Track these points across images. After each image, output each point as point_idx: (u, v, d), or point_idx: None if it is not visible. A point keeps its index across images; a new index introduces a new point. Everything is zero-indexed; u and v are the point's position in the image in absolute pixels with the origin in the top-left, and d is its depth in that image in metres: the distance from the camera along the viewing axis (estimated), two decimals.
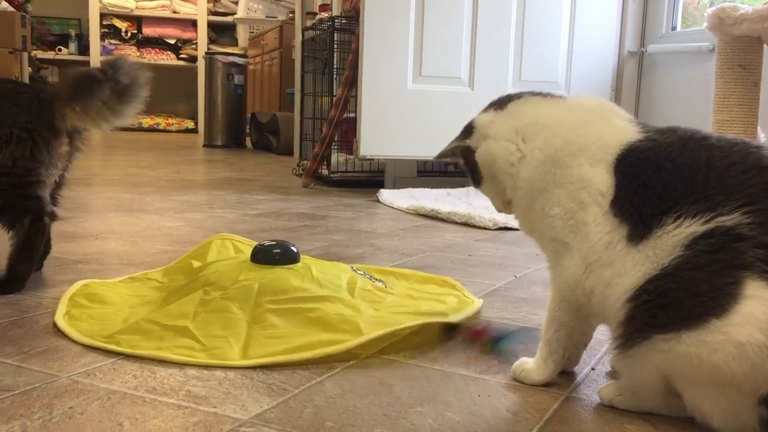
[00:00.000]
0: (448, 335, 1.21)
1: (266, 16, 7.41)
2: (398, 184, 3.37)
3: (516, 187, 1.02)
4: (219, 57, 6.40)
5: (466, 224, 2.45)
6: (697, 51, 3.23)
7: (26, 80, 5.20)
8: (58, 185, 1.55)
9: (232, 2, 8.24)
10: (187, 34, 8.28)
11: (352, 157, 3.56)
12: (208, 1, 8.26)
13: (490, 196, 1.10)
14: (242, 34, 8.01)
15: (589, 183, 0.94)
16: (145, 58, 8.05)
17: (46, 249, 1.58)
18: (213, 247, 1.54)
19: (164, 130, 8.09)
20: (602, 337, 1.15)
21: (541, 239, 1.01)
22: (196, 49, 8.15)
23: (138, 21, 8.17)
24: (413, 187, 3.25)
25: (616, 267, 0.89)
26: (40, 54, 7.42)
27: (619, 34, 3.59)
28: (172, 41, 8.23)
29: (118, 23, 8.05)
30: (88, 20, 7.82)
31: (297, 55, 4.69)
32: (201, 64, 7.19)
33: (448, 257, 1.88)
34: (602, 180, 0.93)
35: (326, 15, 3.88)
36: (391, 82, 3.23)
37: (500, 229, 2.36)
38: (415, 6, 3.22)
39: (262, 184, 3.49)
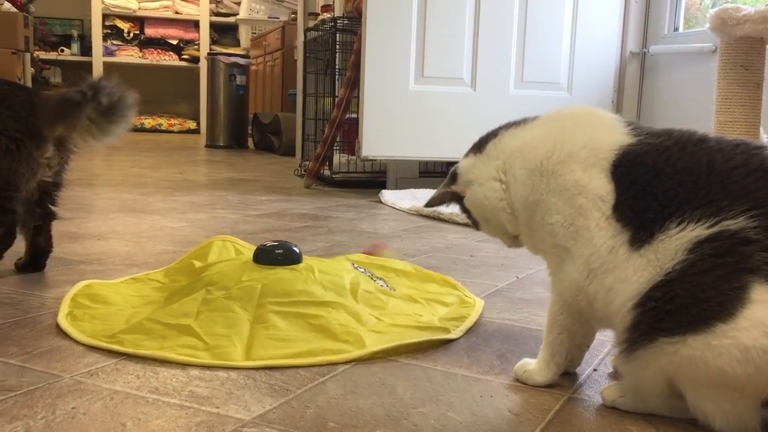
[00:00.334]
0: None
1: (268, 17, 7.41)
2: (400, 184, 3.37)
3: (514, 217, 1.03)
4: (221, 58, 6.40)
5: (467, 225, 2.44)
6: (699, 52, 3.22)
7: (29, 81, 5.21)
8: (56, 186, 1.55)
9: (235, 3, 8.25)
10: (190, 35, 8.28)
11: (354, 157, 3.56)
12: (211, 2, 8.27)
13: (492, 236, 1.13)
14: (244, 35, 8.02)
15: (585, 188, 0.94)
16: (147, 58, 8.07)
17: (48, 248, 1.59)
18: (214, 248, 1.54)
19: (166, 131, 8.09)
20: (604, 338, 1.15)
21: (544, 248, 1.01)
22: (198, 50, 8.15)
23: (140, 22, 8.17)
24: (415, 188, 3.25)
25: (618, 273, 0.89)
26: (42, 55, 7.43)
27: (621, 35, 3.58)
28: (175, 42, 8.24)
29: (120, 24, 8.06)
30: (90, 21, 7.82)
31: (299, 55, 4.69)
32: (203, 65, 7.20)
33: (450, 258, 1.88)
34: (600, 184, 0.93)
35: (328, 16, 3.88)
36: (393, 82, 3.23)
37: None
38: (417, 7, 3.22)
39: (265, 185, 3.49)
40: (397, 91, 3.23)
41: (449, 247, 2.05)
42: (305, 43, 4.35)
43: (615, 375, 1.06)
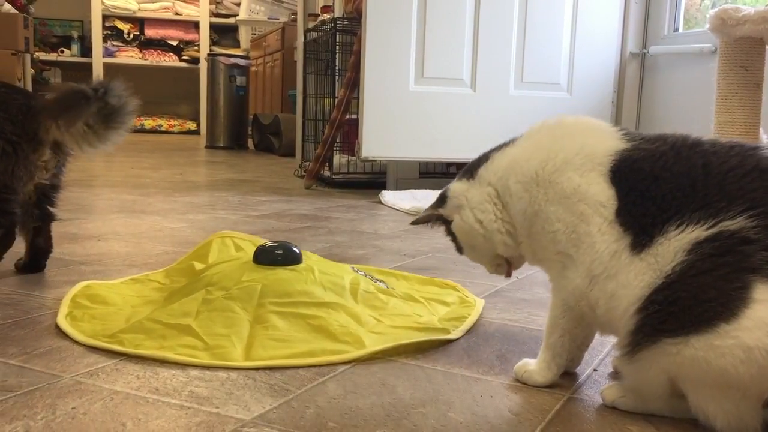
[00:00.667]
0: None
1: (268, 18, 7.42)
2: (400, 185, 3.37)
3: (512, 238, 1.04)
4: (221, 58, 6.40)
5: None
6: (699, 52, 3.22)
7: (29, 82, 5.21)
8: (54, 188, 1.56)
9: (234, 4, 8.26)
10: (190, 36, 8.29)
11: (354, 158, 3.56)
12: (210, 3, 8.27)
13: (475, 261, 1.14)
14: (244, 36, 8.02)
15: (585, 195, 0.94)
16: (147, 59, 8.07)
17: (47, 248, 1.59)
18: (214, 247, 1.54)
19: (166, 132, 8.10)
20: (604, 338, 1.15)
21: (546, 256, 1.00)
22: (198, 51, 8.16)
23: (140, 23, 8.17)
24: (415, 189, 3.25)
25: (620, 278, 0.89)
26: (42, 56, 7.43)
27: (621, 36, 3.58)
28: (175, 43, 8.24)
29: (120, 25, 8.06)
30: (90, 22, 7.82)
31: (299, 56, 4.69)
32: (203, 66, 7.19)
33: (450, 258, 1.88)
34: (599, 190, 0.93)
35: (328, 16, 3.88)
36: (393, 83, 3.23)
37: None
38: (417, 7, 3.22)
39: (264, 186, 3.50)
40: (397, 92, 3.24)
41: (449, 247, 2.04)
42: (305, 44, 4.35)
43: (615, 375, 1.06)
